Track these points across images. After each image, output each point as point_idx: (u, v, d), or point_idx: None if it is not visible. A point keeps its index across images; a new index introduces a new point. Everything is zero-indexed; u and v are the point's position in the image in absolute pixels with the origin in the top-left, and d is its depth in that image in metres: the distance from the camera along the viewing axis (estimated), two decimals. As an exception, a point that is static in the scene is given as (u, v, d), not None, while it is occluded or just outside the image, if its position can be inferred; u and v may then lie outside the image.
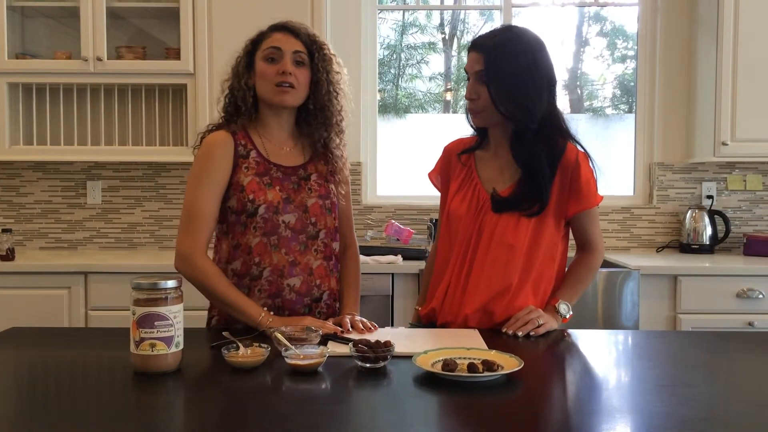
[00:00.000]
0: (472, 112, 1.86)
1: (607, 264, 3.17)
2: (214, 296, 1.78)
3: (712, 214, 3.53)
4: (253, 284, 1.81)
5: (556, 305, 1.84)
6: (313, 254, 1.85)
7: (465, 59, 1.86)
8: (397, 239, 3.36)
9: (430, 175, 2.07)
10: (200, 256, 1.77)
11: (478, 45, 1.83)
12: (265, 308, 1.77)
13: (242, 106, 1.85)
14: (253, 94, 1.85)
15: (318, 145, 1.89)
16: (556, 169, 1.82)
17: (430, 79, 4.27)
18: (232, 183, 1.81)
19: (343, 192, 1.95)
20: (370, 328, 1.74)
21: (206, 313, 1.93)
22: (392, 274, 3.02)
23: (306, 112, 1.88)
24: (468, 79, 1.85)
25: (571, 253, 1.96)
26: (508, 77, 1.78)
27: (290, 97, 1.81)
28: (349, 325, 1.73)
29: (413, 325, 1.99)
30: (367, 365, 1.42)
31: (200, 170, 1.80)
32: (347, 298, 1.94)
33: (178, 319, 1.40)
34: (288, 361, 1.40)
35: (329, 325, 1.70)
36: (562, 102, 4.07)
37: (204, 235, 1.79)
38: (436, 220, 2.55)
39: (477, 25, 4.25)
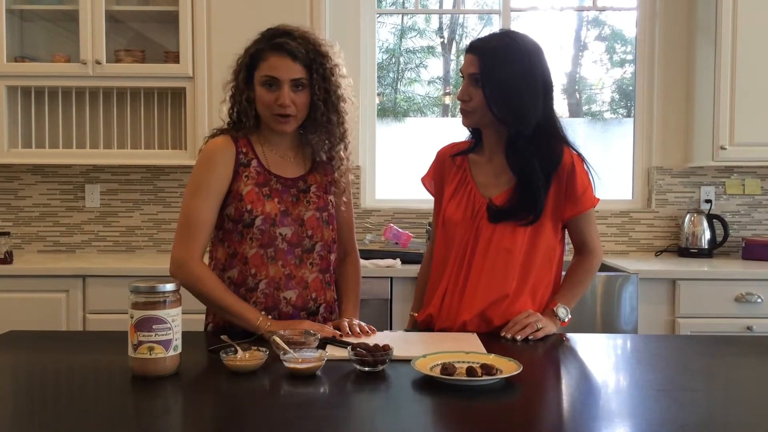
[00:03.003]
0: (464, 112, 1.86)
1: (605, 268, 3.17)
2: (211, 302, 1.77)
3: (711, 218, 3.53)
4: (249, 296, 1.79)
5: (555, 309, 1.84)
6: (309, 267, 1.83)
7: (463, 62, 1.87)
8: (396, 243, 3.36)
9: (423, 179, 2.06)
10: (196, 263, 1.76)
11: (474, 47, 1.83)
12: (263, 312, 1.76)
13: (245, 120, 1.83)
14: (254, 107, 1.82)
15: (321, 154, 1.87)
16: (551, 177, 1.82)
17: (429, 82, 4.28)
18: (231, 191, 1.80)
19: (345, 200, 1.94)
20: (368, 332, 1.73)
21: (204, 317, 1.93)
22: (391, 278, 3.02)
23: (308, 122, 1.85)
24: (463, 79, 1.85)
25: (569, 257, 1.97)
26: (502, 82, 1.77)
27: (289, 126, 1.79)
28: (348, 328, 1.72)
29: (409, 331, 1.99)
30: (366, 369, 1.41)
31: (200, 177, 1.79)
32: (347, 302, 1.93)
33: (177, 322, 1.40)
34: (286, 364, 1.40)
35: (328, 329, 1.70)
36: (561, 106, 4.07)
37: (200, 243, 1.77)
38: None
39: (476, 29, 4.25)
